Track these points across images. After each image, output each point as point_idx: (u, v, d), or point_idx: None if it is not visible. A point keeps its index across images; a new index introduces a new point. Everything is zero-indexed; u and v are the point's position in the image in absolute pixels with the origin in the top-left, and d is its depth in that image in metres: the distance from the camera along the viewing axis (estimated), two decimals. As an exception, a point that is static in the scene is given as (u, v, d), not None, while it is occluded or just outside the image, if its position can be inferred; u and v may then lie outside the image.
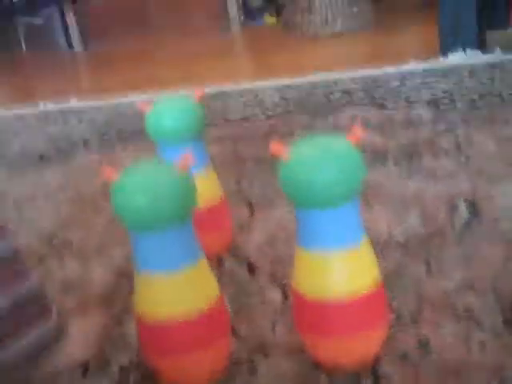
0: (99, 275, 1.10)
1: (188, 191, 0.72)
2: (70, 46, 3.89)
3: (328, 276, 0.71)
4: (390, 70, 2.13)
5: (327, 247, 0.71)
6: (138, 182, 0.70)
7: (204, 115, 1.03)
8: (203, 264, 0.75)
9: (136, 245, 0.73)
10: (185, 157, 0.71)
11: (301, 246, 0.73)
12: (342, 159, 0.68)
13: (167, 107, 1.01)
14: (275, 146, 0.69)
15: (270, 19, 3.67)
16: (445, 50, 2.11)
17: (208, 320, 0.74)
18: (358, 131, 0.69)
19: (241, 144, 1.64)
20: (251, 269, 1.03)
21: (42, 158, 1.82)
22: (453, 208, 1.13)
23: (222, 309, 0.77)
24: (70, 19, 3.88)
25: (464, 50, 2.12)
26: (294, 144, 0.70)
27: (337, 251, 0.71)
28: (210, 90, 2.24)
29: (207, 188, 1.03)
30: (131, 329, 0.91)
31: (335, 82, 2.09)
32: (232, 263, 1.05)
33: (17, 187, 1.59)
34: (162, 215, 0.70)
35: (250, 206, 1.27)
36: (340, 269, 0.71)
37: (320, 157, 0.68)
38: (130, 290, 1.02)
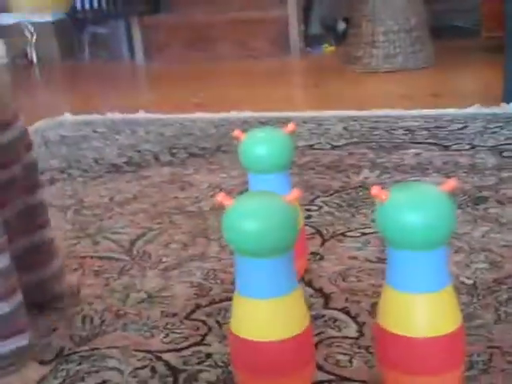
0: (180, 290, 1.16)
1: (295, 222, 0.78)
2: (133, 57, 4.01)
3: (416, 316, 0.76)
4: (452, 111, 2.17)
5: (418, 288, 0.76)
6: (253, 210, 0.76)
7: (294, 147, 1.09)
8: (299, 292, 0.81)
9: (241, 269, 0.79)
10: (295, 191, 0.78)
11: (390, 284, 0.78)
12: (439, 206, 0.74)
13: (263, 137, 1.08)
14: (376, 189, 0.75)
15: (328, 48, 3.75)
16: (509, 97, 2.15)
17: (298, 346, 0.80)
18: (453, 183, 0.75)
19: (309, 172, 1.70)
20: (326, 300, 1.08)
21: (114, 166, 1.89)
22: (520, 257, 1.18)
23: (310, 337, 0.83)
24: (135, 31, 4.00)
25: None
26: (393, 188, 0.76)
27: (426, 293, 0.76)
28: (273, 114, 2.31)
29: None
30: (215, 347, 0.97)
31: (397, 118, 2.15)
32: (308, 292, 1.11)
33: (93, 195, 1.67)
34: (273, 244, 0.76)
35: (321, 235, 1.33)
36: (429, 310, 0.76)
37: (418, 201, 0.74)
38: (209, 308, 1.09)
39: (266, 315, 0.78)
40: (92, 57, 4.09)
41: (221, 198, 0.78)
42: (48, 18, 4.05)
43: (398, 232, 0.74)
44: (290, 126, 1.09)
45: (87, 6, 3.94)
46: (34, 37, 4.03)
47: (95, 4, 3.94)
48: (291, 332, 0.79)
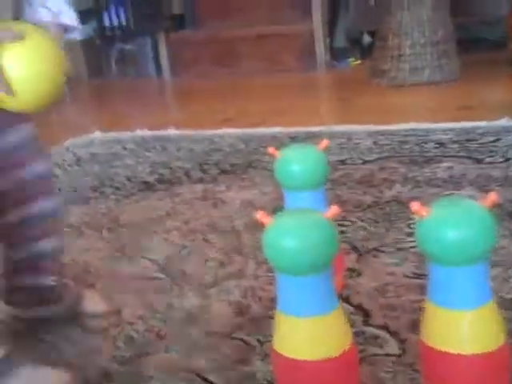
0: (219, 309, 1.16)
1: (335, 239, 0.78)
2: (159, 73, 4.04)
3: (461, 332, 0.76)
4: (483, 123, 2.16)
5: (461, 304, 0.76)
6: (293, 228, 0.77)
7: (328, 164, 1.10)
8: (340, 310, 0.81)
9: (282, 287, 0.80)
10: (333, 208, 0.78)
11: (433, 301, 0.78)
12: (481, 221, 0.74)
13: (298, 155, 1.08)
14: (416, 205, 0.76)
15: (354, 62, 3.75)
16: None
17: (342, 365, 0.80)
18: (493, 197, 0.75)
19: (342, 188, 1.70)
20: (366, 317, 1.08)
21: (146, 184, 1.91)
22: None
23: (354, 356, 0.83)
24: (162, 48, 4.03)
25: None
26: (434, 204, 0.76)
27: (470, 309, 0.76)
28: (302, 129, 2.32)
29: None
30: (258, 365, 0.98)
31: (427, 132, 2.14)
32: (347, 309, 1.11)
33: (127, 213, 1.68)
34: (314, 261, 0.76)
35: (356, 251, 1.33)
36: (475, 325, 0.76)
37: (460, 217, 0.74)
38: (249, 326, 1.09)
39: (307, 333, 0.78)
40: (120, 74, 4.13)
41: (260, 216, 0.78)
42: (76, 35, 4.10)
43: (440, 248, 0.74)
44: (324, 143, 1.09)
45: (115, 23, 3.99)
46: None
47: (123, 21, 3.98)
48: (335, 351, 0.79)
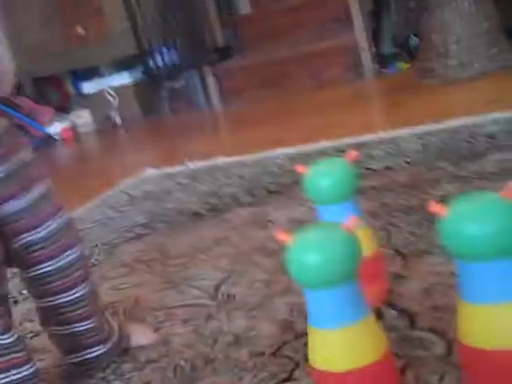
0: (265, 328, 1.16)
1: (356, 250, 0.77)
2: (210, 105, 4.10)
3: (498, 328, 0.73)
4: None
5: (494, 300, 0.73)
6: (312, 243, 0.77)
7: (357, 176, 1.08)
8: (371, 320, 0.80)
9: (309, 302, 0.79)
10: (352, 219, 0.77)
11: (465, 299, 0.75)
12: (501, 213, 0.71)
13: (324, 169, 1.08)
14: (433, 205, 0.74)
15: (403, 65, 3.70)
16: None
17: (376, 373, 0.78)
18: (512, 186, 0.72)
19: (387, 194, 1.67)
20: (412, 320, 1.05)
21: (196, 214, 1.93)
22: None
23: (390, 363, 0.81)
24: (209, 80, 4.09)
25: None
26: (454, 201, 0.74)
27: (502, 302, 0.73)
28: (350, 140, 2.30)
29: (365, 242, 1.07)
30: (305, 381, 0.96)
31: (477, 126, 2.08)
32: (391, 314, 1.08)
33: (177, 245, 1.70)
34: (334, 273, 0.75)
35: (402, 255, 1.30)
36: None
37: (478, 212, 0.72)
38: (295, 342, 1.08)
39: (334, 345, 0.78)
40: (172, 110, 4.21)
41: (279, 234, 0.79)
42: (127, 79, 4.22)
43: (461, 245, 0.72)
44: (352, 154, 1.08)
45: (160, 63, 4.08)
46: (117, 100, 4.20)
47: (167, 60, 4.07)
48: (365, 361, 0.77)
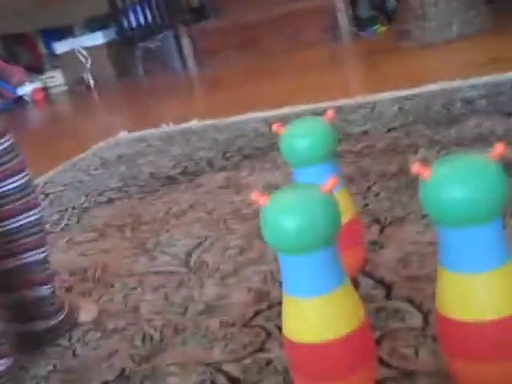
0: (238, 297, 1.13)
1: (335, 214, 0.73)
2: (185, 67, 4.02)
3: (476, 298, 0.71)
4: (512, 75, 2.06)
5: (472, 268, 0.70)
6: (289, 205, 0.72)
7: (336, 136, 1.04)
8: (349, 288, 0.76)
9: (285, 269, 0.75)
10: (330, 180, 0.73)
11: (444, 266, 0.73)
12: (485, 177, 0.67)
13: (301, 129, 1.03)
14: (416, 166, 0.70)
15: (380, 28, 3.65)
16: None
17: (353, 344, 0.75)
18: (500, 149, 0.69)
19: (365, 159, 1.64)
20: (388, 291, 1.03)
21: (169, 178, 1.89)
22: None
23: (366, 334, 0.78)
24: (184, 41, 4.01)
25: None
26: (436, 163, 0.70)
27: (482, 272, 0.70)
28: (326, 104, 2.25)
29: (343, 207, 1.04)
30: (276, 352, 0.94)
31: (454, 91, 2.06)
32: (368, 284, 1.06)
33: (150, 210, 1.66)
34: (312, 238, 0.71)
35: (379, 223, 1.27)
36: (491, 290, 0.70)
37: (462, 175, 0.68)
38: (268, 312, 1.05)
39: (311, 314, 0.74)
40: (146, 72, 4.13)
41: (255, 196, 0.74)
42: (100, 40, 4.12)
43: (443, 210, 0.68)
44: (329, 114, 1.03)
45: (134, 23, 3.98)
46: (89, 61, 4.11)
47: (141, 21, 3.98)
48: (343, 330, 0.74)
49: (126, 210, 1.71)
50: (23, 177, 1.05)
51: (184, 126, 2.46)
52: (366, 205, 1.36)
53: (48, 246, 1.11)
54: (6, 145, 1.03)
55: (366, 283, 1.06)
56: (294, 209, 0.72)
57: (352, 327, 0.75)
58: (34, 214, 1.06)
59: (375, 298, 1.01)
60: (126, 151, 2.30)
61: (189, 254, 1.34)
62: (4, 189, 1.03)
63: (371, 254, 1.15)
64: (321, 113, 2.05)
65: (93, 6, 3.96)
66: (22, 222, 1.05)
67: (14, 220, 1.04)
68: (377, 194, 1.41)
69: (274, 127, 1.03)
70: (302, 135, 1.02)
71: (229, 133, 2.22)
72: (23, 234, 1.05)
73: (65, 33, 4.23)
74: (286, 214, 0.71)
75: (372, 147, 1.72)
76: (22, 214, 1.05)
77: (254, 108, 2.45)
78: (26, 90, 4.03)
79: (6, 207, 1.03)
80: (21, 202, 1.04)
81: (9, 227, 1.04)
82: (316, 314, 0.75)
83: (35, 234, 1.07)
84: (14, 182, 1.04)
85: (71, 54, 4.16)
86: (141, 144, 2.34)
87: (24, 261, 1.06)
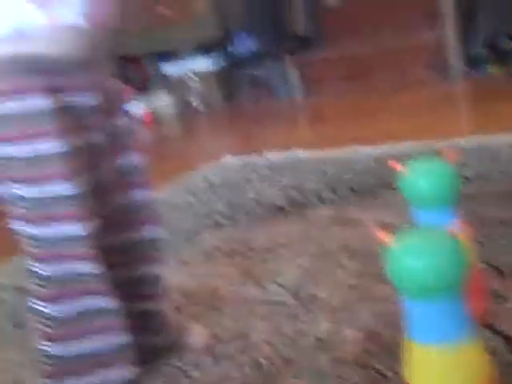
0: (349, 334, 1.11)
1: (465, 259, 0.72)
2: (290, 95, 4.05)
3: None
4: None
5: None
6: (417, 248, 0.71)
7: (459, 178, 1.02)
8: (476, 340, 0.74)
9: (412, 314, 0.74)
10: (457, 224, 0.72)
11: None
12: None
13: (427, 169, 1.01)
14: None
15: (493, 69, 3.56)
16: None
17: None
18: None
19: (480, 203, 1.59)
20: (509, 345, 0.99)
21: (277, 208, 1.89)
22: None
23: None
24: (290, 70, 4.04)
25: None
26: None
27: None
28: (438, 143, 2.21)
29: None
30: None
31: None
32: (488, 336, 1.02)
33: (258, 237, 1.67)
34: (441, 282, 0.70)
35: (499, 271, 1.23)
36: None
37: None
38: (381, 352, 1.03)
39: (434, 363, 0.72)
40: (251, 98, 4.18)
41: (381, 235, 0.74)
42: (209, 65, 4.20)
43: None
44: (452, 155, 1.00)
45: (241, 49, 4.06)
46: (198, 85, 4.19)
47: (249, 47, 4.05)
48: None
49: (233, 235, 1.72)
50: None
51: (289, 154, 2.45)
52: (483, 252, 1.32)
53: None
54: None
55: (486, 334, 1.02)
56: (425, 250, 0.71)
57: (480, 380, 0.73)
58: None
59: (496, 351, 0.98)
60: (232, 176, 2.32)
61: (298, 286, 1.34)
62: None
63: (493, 304, 1.10)
64: (434, 153, 2.03)
65: (205, 29, 4.06)
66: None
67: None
68: (493, 241, 1.36)
69: (392, 164, 1.01)
70: (428, 175, 1.00)
71: (336, 165, 2.20)
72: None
73: (173, 54, 4.32)
74: (417, 255, 0.71)
75: (488, 191, 1.67)
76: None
77: (359, 142, 2.43)
78: (137, 110, 4.13)
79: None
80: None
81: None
82: (439, 364, 0.73)
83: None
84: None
85: (180, 76, 4.26)
86: (246, 170, 2.35)
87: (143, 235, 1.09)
